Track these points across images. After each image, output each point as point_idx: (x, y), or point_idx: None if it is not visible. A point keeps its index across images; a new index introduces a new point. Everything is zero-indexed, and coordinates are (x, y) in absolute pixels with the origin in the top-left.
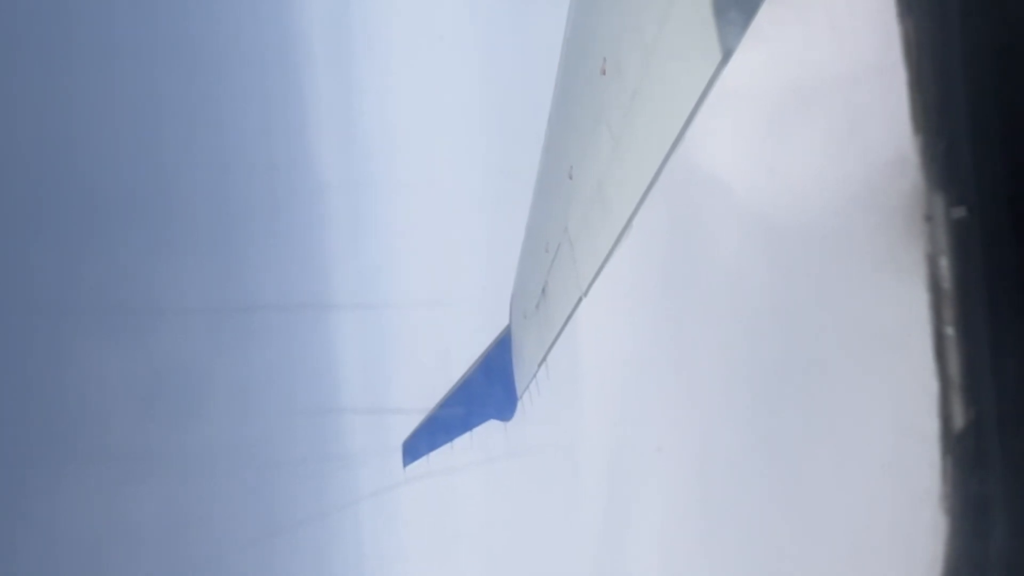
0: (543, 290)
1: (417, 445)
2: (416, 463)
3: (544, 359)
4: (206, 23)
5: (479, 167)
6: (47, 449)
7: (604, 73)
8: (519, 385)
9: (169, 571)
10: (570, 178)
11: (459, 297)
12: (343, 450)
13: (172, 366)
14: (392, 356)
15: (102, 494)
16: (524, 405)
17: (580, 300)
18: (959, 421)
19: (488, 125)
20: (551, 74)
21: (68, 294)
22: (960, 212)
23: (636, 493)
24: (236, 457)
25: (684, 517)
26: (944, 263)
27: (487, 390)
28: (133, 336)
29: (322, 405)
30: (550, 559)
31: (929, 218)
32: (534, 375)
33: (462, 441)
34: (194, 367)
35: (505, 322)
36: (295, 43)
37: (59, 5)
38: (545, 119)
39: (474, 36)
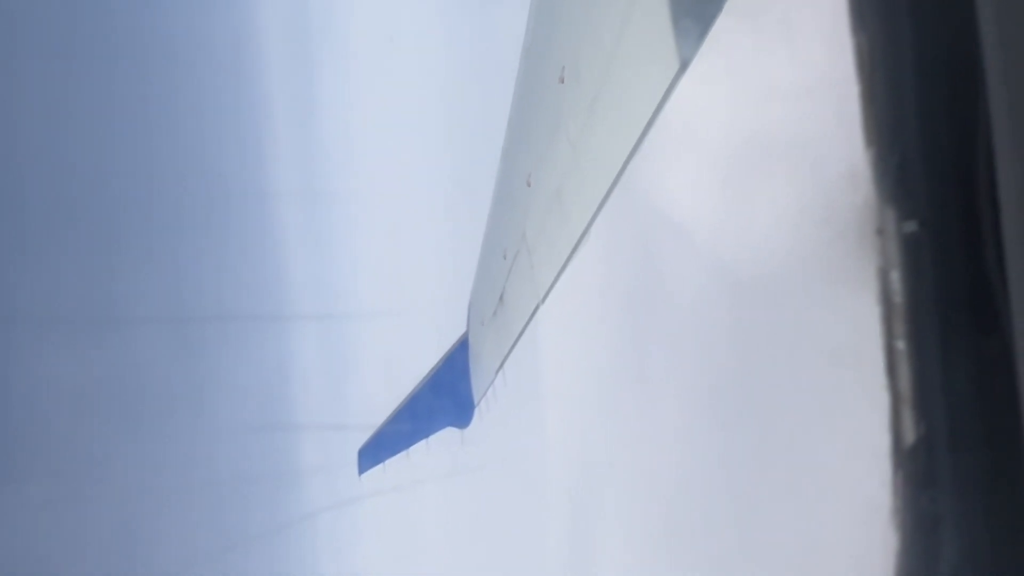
0: (501, 297)
1: (373, 453)
2: (373, 471)
3: (501, 366)
4: (156, 25)
5: (437, 176)
6: None
7: (563, 81)
8: (476, 392)
9: None
10: (528, 185)
11: (417, 307)
12: (297, 465)
13: (121, 377)
14: (348, 368)
15: (48, 510)
16: (481, 412)
17: (537, 307)
18: (910, 436)
19: (446, 133)
20: (510, 81)
21: (10, 302)
22: (912, 226)
23: (597, 505)
24: (187, 471)
25: (643, 532)
26: (895, 277)
27: (444, 397)
28: (80, 346)
29: (276, 419)
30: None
31: (881, 232)
32: (491, 382)
33: (418, 448)
34: (144, 378)
35: (462, 331)
36: (250, 47)
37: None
38: (504, 126)
39: (433, 42)
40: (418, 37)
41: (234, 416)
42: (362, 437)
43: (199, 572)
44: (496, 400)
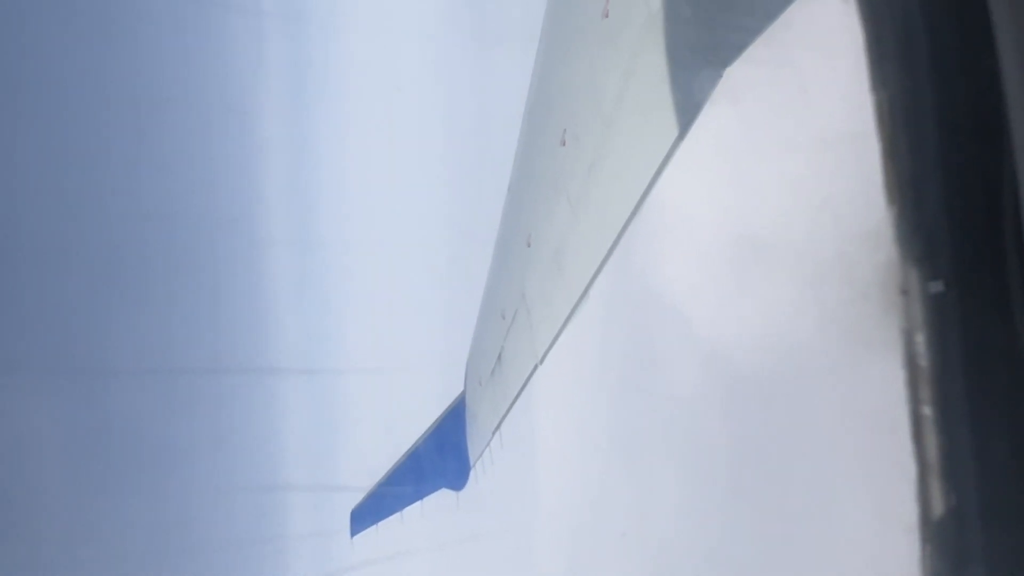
0: (499, 357)
1: (366, 515)
2: (364, 534)
3: (498, 427)
4: (150, 67)
5: (435, 230)
6: None
7: (564, 144)
8: (472, 453)
9: None
10: (528, 245)
11: (412, 364)
12: (282, 531)
13: (96, 431)
14: (338, 426)
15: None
16: (477, 474)
17: (536, 367)
18: (939, 508)
19: (446, 188)
20: (512, 140)
21: None
22: (937, 286)
23: (596, 553)
24: (164, 535)
25: (650, 554)
26: (921, 339)
27: (439, 458)
28: (54, 399)
29: (261, 480)
30: None
31: (905, 292)
32: (488, 443)
33: (412, 511)
34: (121, 433)
35: (459, 390)
36: (244, 91)
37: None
38: (505, 184)
39: (434, 96)
40: (420, 89)
41: (221, 475)
42: (354, 498)
43: None
44: (492, 462)
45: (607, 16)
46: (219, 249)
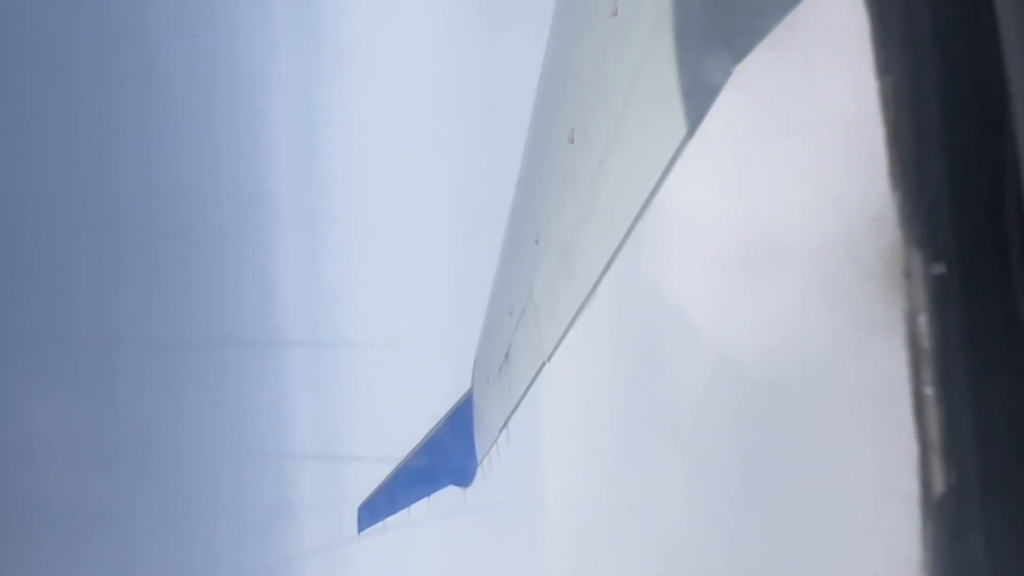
0: (506, 355)
1: (372, 510)
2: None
3: (505, 425)
4: (163, 48)
5: (445, 206)
6: None
7: (572, 142)
8: (479, 451)
9: None
10: (536, 243)
11: (421, 339)
12: (292, 498)
13: (108, 405)
14: (348, 398)
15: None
16: (484, 471)
17: (543, 365)
18: (940, 485)
19: (457, 164)
20: (522, 118)
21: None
22: (940, 268)
23: (603, 559)
24: (174, 505)
25: (657, 561)
26: (923, 321)
27: (446, 455)
28: (64, 371)
29: (273, 449)
30: None
31: (908, 274)
32: (495, 441)
33: (419, 507)
34: (133, 406)
35: (467, 364)
36: (255, 70)
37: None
38: (515, 159)
39: (444, 74)
40: (429, 67)
41: (228, 446)
42: (360, 470)
43: None
44: (499, 459)
45: (616, 14)
46: (232, 225)
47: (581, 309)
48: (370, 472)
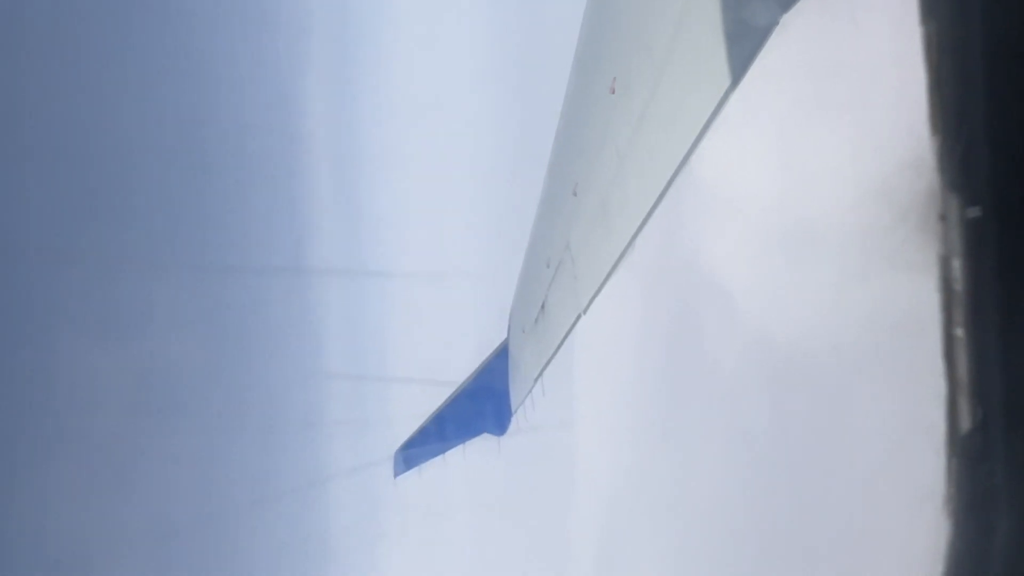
0: (543, 306)
1: (409, 456)
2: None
3: (540, 375)
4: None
5: (484, 139)
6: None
7: (613, 92)
8: (514, 400)
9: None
10: (575, 195)
11: (459, 271)
12: (324, 417)
13: (146, 334)
14: (385, 326)
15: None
16: (518, 420)
17: (579, 317)
18: (966, 423)
19: (497, 99)
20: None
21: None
22: (975, 212)
23: (624, 539)
24: (211, 422)
25: (685, 525)
26: (956, 264)
27: (482, 403)
28: (98, 290)
29: (310, 368)
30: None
31: (943, 218)
32: (529, 390)
33: (454, 454)
34: (172, 331)
35: (504, 296)
36: (290, 18)
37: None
38: (557, 97)
39: (485, 35)
40: (469, 22)
41: (269, 367)
42: (392, 391)
43: (224, 525)
44: (534, 408)
45: None
46: (273, 159)
47: (618, 263)
48: (403, 395)
